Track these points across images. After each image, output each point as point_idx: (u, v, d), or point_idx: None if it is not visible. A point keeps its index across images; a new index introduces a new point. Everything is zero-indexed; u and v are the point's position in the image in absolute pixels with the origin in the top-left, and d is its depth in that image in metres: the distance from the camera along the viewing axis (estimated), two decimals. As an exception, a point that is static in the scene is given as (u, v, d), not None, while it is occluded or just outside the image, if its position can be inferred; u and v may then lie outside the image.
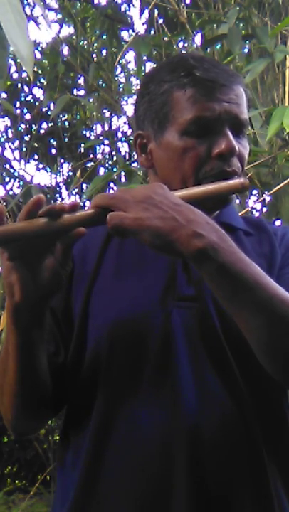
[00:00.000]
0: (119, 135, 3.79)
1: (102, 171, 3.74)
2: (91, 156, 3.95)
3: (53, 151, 4.09)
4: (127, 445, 0.88)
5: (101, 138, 3.88)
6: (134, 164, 3.08)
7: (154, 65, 1.09)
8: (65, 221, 0.81)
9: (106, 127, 3.93)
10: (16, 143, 4.01)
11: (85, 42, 3.78)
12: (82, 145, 4.05)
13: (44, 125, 4.01)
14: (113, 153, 3.81)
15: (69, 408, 1.00)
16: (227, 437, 0.88)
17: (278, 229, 1.06)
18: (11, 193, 3.83)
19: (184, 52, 3.39)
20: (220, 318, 0.92)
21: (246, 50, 2.80)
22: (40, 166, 4.15)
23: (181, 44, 3.34)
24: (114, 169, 3.74)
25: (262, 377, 0.89)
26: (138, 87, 1.06)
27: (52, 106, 3.55)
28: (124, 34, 3.51)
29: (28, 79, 3.59)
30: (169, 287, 0.94)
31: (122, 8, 3.48)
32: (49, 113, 3.77)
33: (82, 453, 0.91)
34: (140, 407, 0.89)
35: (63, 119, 4.11)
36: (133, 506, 0.86)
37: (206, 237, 0.78)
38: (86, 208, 0.83)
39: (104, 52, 3.66)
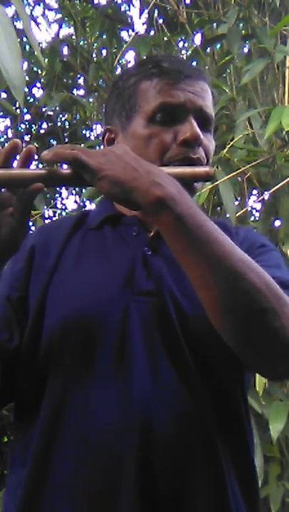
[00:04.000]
0: (119, 135, 3.79)
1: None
2: (91, 156, 3.94)
3: (53, 151, 4.07)
4: (78, 439, 0.87)
5: (101, 138, 3.87)
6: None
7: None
8: (26, 175, 0.81)
9: (106, 127, 3.91)
10: (16, 143, 4.01)
11: (85, 42, 3.78)
12: (82, 145, 4.05)
13: (44, 125, 4.02)
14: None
15: (18, 404, 0.98)
16: (181, 428, 0.87)
17: (241, 230, 1.07)
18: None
19: (183, 52, 3.40)
20: (178, 314, 0.91)
21: (246, 50, 2.80)
22: (40, 166, 4.14)
23: (181, 44, 3.35)
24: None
25: (218, 370, 0.91)
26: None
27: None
28: (124, 34, 3.51)
29: (27, 78, 3.58)
30: (127, 282, 0.94)
31: (122, 8, 3.48)
32: (49, 113, 3.77)
33: (30, 449, 0.89)
34: (93, 400, 0.88)
35: (63, 119, 4.11)
36: (81, 501, 0.84)
37: (166, 187, 0.80)
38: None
39: (104, 52, 3.66)
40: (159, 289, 0.93)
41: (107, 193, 0.81)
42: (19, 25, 2.91)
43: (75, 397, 0.89)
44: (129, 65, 4.27)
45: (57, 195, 4.00)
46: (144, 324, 0.91)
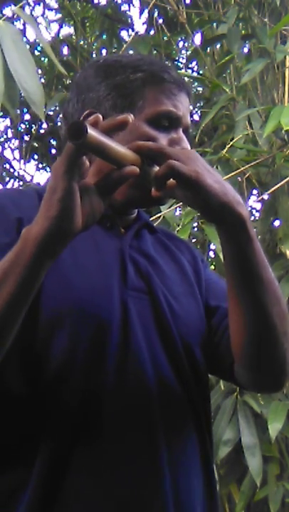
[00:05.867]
0: (119, 135, 3.78)
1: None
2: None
3: (53, 151, 4.08)
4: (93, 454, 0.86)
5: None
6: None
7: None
8: (124, 154, 0.78)
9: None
10: (16, 143, 4.01)
11: (85, 42, 3.77)
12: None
13: (44, 125, 4.02)
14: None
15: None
16: (181, 424, 0.93)
17: (191, 246, 1.14)
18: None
19: (183, 52, 3.40)
20: (171, 313, 0.96)
21: (246, 50, 2.80)
22: (40, 165, 4.15)
23: (181, 44, 3.35)
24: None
25: (202, 368, 0.98)
26: (91, 67, 1.03)
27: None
28: (124, 34, 3.51)
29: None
30: (120, 275, 0.94)
31: (122, 8, 3.48)
32: (49, 113, 3.77)
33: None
34: (102, 393, 0.88)
35: (63, 119, 4.12)
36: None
37: (245, 208, 0.84)
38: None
39: (104, 52, 3.66)
40: (150, 288, 0.96)
41: (200, 203, 0.82)
42: (19, 25, 2.92)
43: (84, 393, 0.87)
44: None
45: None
46: (142, 319, 0.93)
